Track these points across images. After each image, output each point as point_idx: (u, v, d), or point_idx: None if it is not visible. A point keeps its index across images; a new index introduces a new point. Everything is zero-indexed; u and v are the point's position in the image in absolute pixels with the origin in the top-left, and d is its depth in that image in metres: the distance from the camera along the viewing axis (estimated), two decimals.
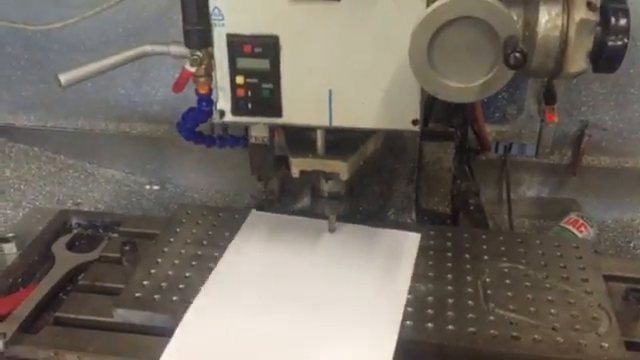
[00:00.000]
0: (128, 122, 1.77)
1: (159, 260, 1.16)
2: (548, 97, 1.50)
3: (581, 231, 1.53)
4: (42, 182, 1.80)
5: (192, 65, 0.95)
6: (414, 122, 0.97)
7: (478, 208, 1.50)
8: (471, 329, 1.01)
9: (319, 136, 1.03)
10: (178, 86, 0.96)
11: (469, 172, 1.56)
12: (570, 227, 1.53)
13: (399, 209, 1.40)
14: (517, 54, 0.79)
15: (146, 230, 1.27)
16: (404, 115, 0.96)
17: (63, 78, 0.98)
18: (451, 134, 1.46)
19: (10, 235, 1.24)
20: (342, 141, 1.05)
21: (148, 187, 1.83)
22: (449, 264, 1.15)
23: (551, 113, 1.51)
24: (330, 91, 0.96)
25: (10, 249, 1.22)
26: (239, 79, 0.96)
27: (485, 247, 1.19)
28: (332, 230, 1.20)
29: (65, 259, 1.22)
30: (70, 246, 1.27)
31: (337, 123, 0.98)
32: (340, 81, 0.96)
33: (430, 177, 1.46)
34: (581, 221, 1.54)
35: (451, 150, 1.46)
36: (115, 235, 1.29)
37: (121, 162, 1.85)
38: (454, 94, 0.87)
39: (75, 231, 1.32)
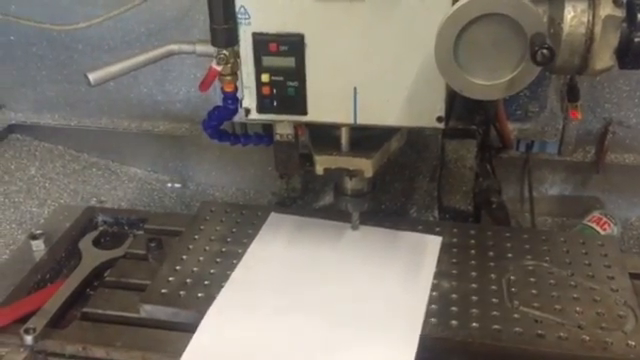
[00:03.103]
0: (150, 120, 1.78)
1: (184, 257, 1.17)
2: (571, 94, 1.49)
3: (604, 229, 1.51)
4: (66, 180, 1.81)
5: (218, 64, 0.96)
6: (439, 119, 0.97)
7: (500, 206, 1.49)
8: (496, 326, 1.01)
9: (343, 134, 1.04)
10: (205, 84, 0.97)
11: (491, 170, 1.55)
12: (593, 225, 1.52)
13: (421, 207, 1.41)
14: (544, 50, 0.79)
15: (171, 227, 1.29)
16: (429, 112, 0.96)
17: (92, 77, 0.99)
18: (473, 132, 1.46)
19: (38, 232, 1.26)
20: (366, 139, 1.06)
21: (170, 185, 1.84)
22: (473, 262, 1.15)
23: (574, 110, 1.50)
24: (355, 89, 0.97)
25: (38, 246, 1.24)
26: (264, 77, 0.97)
27: (509, 245, 1.19)
28: (355, 228, 1.21)
29: (92, 255, 1.24)
30: (96, 243, 1.28)
31: (362, 121, 0.99)
32: (365, 79, 0.96)
33: (452, 175, 1.46)
34: (604, 219, 1.53)
35: (473, 148, 1.46)
36: (140, 232, 1.31)
37: (144, 160, 1.86)
38: (480, 91, 0.87)
39: (101, 228, 1.34)
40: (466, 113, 1.44)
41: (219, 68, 0.96)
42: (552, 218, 1.70)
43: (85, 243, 1.26)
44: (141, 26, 1.62)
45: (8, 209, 1.66)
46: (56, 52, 1.71)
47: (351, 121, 0.99)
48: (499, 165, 1.58)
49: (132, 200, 1.75)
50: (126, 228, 1.34)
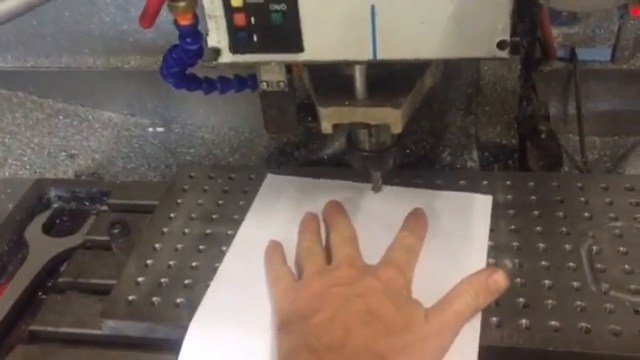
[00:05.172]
0: (119, 55, 1.47)
1: (157, 246, 0.86)
2: None
3: None
4: (29, 133, 1.50)
5: None
6: (501, 45, 0.63)
7: (550, 135, 1.17)
8: (582, 324, 0.71)
9: (358, 75, 0.70)
10: (146, 18, 0.63)
11: (532, 90, 1.22)
12: None
13: (456, 148, 1.08)
14: None
15: (141, 201, 0.97)
16: (486, 36, 0.62)
17: None
18: (516, 45, 1.11)
19: None
20: (390, 77, 0.72)
21: (151, 129, 1.52)
22: (538, 228, 0.83)
23: (636, 6, 1.15)
24: (372, 7, 0.62)
25: None
26: (235, 0, 0.62)
27: (583, 199, 0.86)
28: (377, 189, 0.89)
29: (42, 247, 0.93)
30: (49, 227, 0.97)
31: (384, 55, 0.64)
32: None
33: (491, 102, 1.13)
34: None
35: (516, 66, 1.12)
36: (104, 208, 0.99)
37: (117, 102, 1.54)
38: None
39: (55, 206, 1.02)
40: None
41: None
42: (600, 138, 1.38)
43: (33, 230, 0.95)
44: None
45: None
46: None
47: (369, 57, 0.65)
48: (538, 80, 1.25)
49: (108, 151, 1.45)
50: (86, 204, 1.02)
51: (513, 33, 1.08)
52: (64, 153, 1.45)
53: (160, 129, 1.52)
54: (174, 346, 0.74)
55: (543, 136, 1.16)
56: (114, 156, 1.44)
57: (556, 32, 1.23)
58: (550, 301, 0.74)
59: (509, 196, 0.88)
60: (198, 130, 1.52)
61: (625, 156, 1.28)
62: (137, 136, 1.50)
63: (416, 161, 1.07)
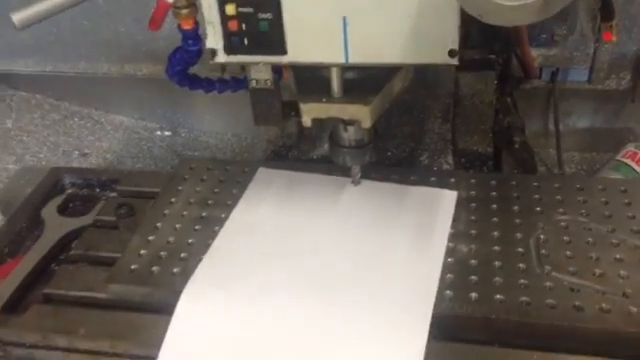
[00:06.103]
0: (133, 63, 1.60)
1: (158, 225, 0.99)
2: (605, 12, 1.26)
3: None
4: (46, 132, 1.65)
5: None
6: (451, 53, 0.76)
7: (524, 146, 1.29)
8: (524, 299, 0.83)
9: (334, 76, 0.83)
10: (155, 22, 0.77)
11: (512, 104, 1.35)
12: (628, 161, 1.34)
13: (433, 152, 1.21)
14: None
15: (147, 188, 1.10)
16: (439, 45, 0.75)
17: (17, 18, 0.79)
18: (492, 62, 1.25)
19: None
20: (363, 80, 0.85)
21: (159, 133, 1.66)
22: (495, 219, 0.96)
23: (608, 31, 1.28)
24: (345, 19, 0.76)
25: None
26: (229, 9, 0.76)
27: (537, 196, 0.99)
28: (356, 183, 1.02)
29: (56, 225, 1.06)
30: (63, 209, 1.11)
31: (355, 59, 0.78)
32: (357, 6, 0.75)
33: (468, 113, 1.26)
34: None
35: (492, 81, 1.25)
36: (113, 194, 1.13)
37: (129, 107, 1.68)
38: (505, 15, 0.66)
39: (69, 191, 1.16)
40: (483, 40, 1.23)
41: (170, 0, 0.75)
42: (580, 153, 1.50)
43: (49, 211, 1.09)
44: None
45: None
46: None
47: (342, 60, 0.78)
48: (520, 98, 1.37)
49: (118, 152, 1.59)
50: (97, 190, 1.15)
51: (488, 51, 1.22)
52: (77, 152, 1.59)
53: (167, 133, 1.66)
54: (170, 309, 0.87)
55: (516, 146, 1.28)
56: (124, 156, 1.57)
57: (535, 53, 1.36)
58: (498, 279, 0.86)
59: (472, 192, 1.01)
60: (203, 135, 1.66)
61: (599, 170, 1.40)
62: (146, 139, 1.64)
63: (397, 163, 1.20)
